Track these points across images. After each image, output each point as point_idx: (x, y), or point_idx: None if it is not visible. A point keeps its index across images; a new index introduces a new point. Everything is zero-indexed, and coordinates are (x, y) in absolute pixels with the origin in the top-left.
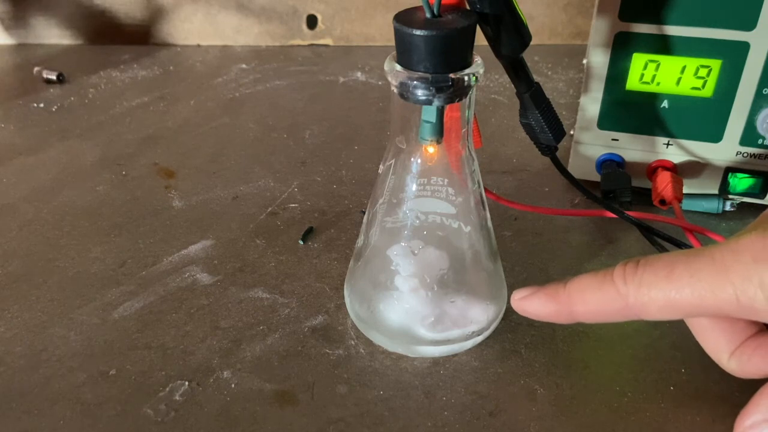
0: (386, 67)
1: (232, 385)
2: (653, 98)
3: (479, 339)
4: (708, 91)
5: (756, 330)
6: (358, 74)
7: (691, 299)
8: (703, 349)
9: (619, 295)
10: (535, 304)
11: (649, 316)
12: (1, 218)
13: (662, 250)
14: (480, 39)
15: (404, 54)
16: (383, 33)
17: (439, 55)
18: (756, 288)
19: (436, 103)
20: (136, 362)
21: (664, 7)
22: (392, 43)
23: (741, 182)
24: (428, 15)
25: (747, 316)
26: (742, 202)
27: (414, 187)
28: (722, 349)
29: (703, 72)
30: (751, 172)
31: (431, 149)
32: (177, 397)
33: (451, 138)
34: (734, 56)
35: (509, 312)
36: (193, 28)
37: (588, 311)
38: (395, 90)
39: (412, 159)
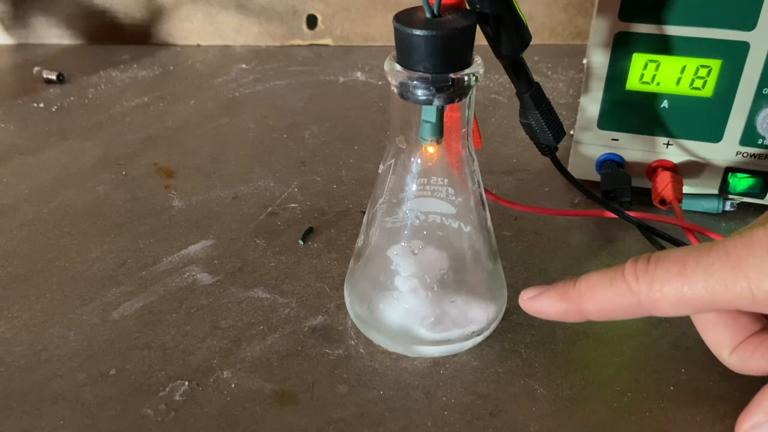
0: (386, 67)
1: (232, 385)
2: (653, 98)
3: (479, 339)
4: (708, 91)
5: (759, 327)
6: (358, 74)
7: (705, 294)
8: (703, 350)
9: (631, 292)
10: (545, 303)
11: (662, 312)
12: (1, 218)
13: (662, 249)
14: (480, 39)
15: (404, 54)
16: (383, 33)
17: (439, 55)
18: None
19: (436, 103)
20: (136, 362)
21: (664, 7)
22: (392, 43)
23: (741, 182)
24: (428, 15)
25: (761, 310)
26: (742, 202)
27: (414, 187)
28: (724, 344)
29: (703, 72)
30: (751, 172)
31: (431, 149)
32: (177, 397)
33: (451, 138)
34: (734, 56)
35: (509, 312)
36: (193, 28)
37: (599, 309)
38: (395, 90)
39: (412, 159)
